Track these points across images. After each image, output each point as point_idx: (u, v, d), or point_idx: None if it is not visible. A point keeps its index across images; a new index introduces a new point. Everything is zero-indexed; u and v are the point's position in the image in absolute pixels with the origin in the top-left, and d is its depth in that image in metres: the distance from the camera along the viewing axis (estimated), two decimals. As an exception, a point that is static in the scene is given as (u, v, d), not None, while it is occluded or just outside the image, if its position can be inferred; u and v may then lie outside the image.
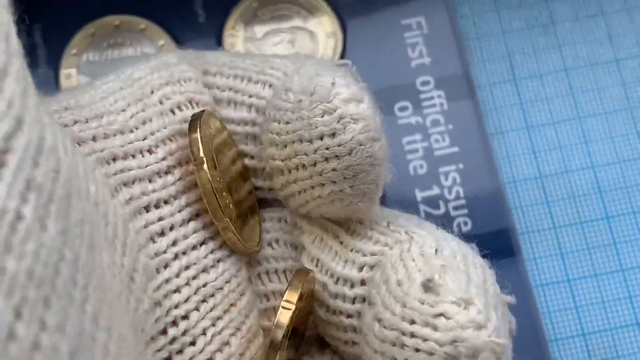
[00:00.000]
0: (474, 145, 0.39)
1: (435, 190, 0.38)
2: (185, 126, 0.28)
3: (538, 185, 0.40)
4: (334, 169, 0.26)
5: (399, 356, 0.24)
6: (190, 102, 0.29)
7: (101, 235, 0.23)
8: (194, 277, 0.27)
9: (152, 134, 0.27)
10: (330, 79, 0.26)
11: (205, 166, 0.27)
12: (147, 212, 0.26)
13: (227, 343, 0.27)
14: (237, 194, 0.29)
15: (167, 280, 0.26)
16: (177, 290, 0.26)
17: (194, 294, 0.27)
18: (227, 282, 0.28)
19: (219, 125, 0.29)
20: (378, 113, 0.27)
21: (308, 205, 0.28)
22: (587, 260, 0.39)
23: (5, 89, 0.19)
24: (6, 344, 0.17)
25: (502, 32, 0.42)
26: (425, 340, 0.24)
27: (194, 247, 0.27)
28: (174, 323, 0.26)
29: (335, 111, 0.26)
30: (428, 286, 0.24)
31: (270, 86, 0.29)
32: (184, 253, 0.27)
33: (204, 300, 0.27)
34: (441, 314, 0.24)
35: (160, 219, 0.27)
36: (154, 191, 0.27)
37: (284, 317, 0.26)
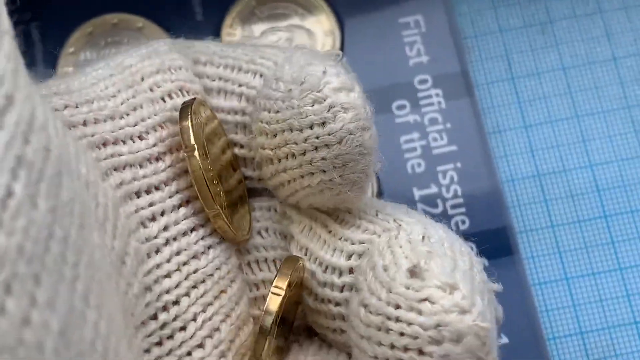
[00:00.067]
0: (471, 143, 0.39)
1: (433, 189, 0.38)
2: (176, 114, 0.28)
3: (536, 184, 0.39)
4: (323, 158, 0.26)
5: (384, 340, 0.24)
6: (180, 90, 0.29)
7: (92, 216, 0.23)
8: (185, 263, 0.27)
9: (142, 120, 0.28)
10: (320, 68, 0.26)
11: (196, 153, 0.27)
12: (138, 197, 0.27)
13: (217, 329, 0.27)
14: (227, 183, 0.29)
15: (158, 265, 0.26)
16: (167, 275, 0.27)
17: (185, 279, 0.27)
18: (217, 268, 0.28)
19: (210, 114, 0.29)
20: (368, 103, 0.27)
21: (297, 195, 0.28)
22: (585, 259, 0.38)
23: None
24: None
25: (500, 31, 0.42)
26: (409, 324, 0.24)
27: (184, 233, 0.28)
28: (165, 308, 0.26)
29: (325, 100, 0.26)
30: (414, 271, 0.24)
31: (260, 75, 0.29)
32: (174, 239, 0.27)
33: (194, 286, 0.27)
34: (426, 299, 0.24)
35: (150, 204, 0.27)
36: (144, 177, 0.27)
37: (274, 303, 0.26)
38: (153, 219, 0.27)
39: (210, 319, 0.27)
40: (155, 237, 0.26)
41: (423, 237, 0.26)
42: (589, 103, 0.41)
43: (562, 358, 0.37)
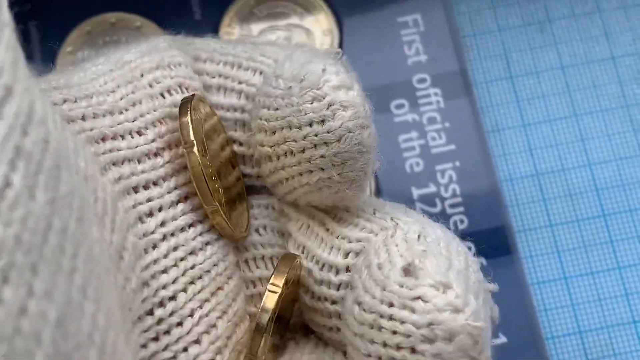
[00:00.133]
0: (470, 142, 0.39)
1: (432, 188, 0.38)
2: (175, 110, 0.28)
3: (534, 183, 0.39)
4: (322, 156, 0.26)
5: (377, 338, 0.24)
6: (180, 86, 0.29)
7: (90, 210, 0.23)
8: (182, 259, 0.27)
9: (141, 115, 0.28)
10: (320, 66, 0.26)
11: (195, 149, 0.27)
12: (136, 192, 0.27)
13: (214, 325, 0.27)
14: (226, 180, 0.29)
15: (155, 261, 0.26)
16: (164, 271, 0.26)
17: (182, 275, 0.27)
18: (214, 265, 0.28)
19: (209, 111, 0.29)
20: (367, 101, 0.27)
21: (296, 192, 0.28)
22: (584, 258, 0.38)
23: None
24: None
25: (499, 30, 0.42)
26: (402, 322, 0.24)
27: (182, 229, 0.27)
28: (161, 304, 0.26)
29: (324, 98, 0.26)
30: (408, 270, 0.24)
31: (260, 73, 0.29)
32: (172, 234, 0.27)
33: (191, 282, 0.27)
34: (419, 297, 0.24)
35: (149, 199, 0.27)
36: (143, 172, 0.27)
37: (270, 300, 0.26)
38: (151, 214, 0.27)
39: (207, 315, 0.27)
40: (153, 232, 0.26)
41: (419, 236, 0.26)
42: (587, 102, 0.41)
43: (561, 357, 0.37)
